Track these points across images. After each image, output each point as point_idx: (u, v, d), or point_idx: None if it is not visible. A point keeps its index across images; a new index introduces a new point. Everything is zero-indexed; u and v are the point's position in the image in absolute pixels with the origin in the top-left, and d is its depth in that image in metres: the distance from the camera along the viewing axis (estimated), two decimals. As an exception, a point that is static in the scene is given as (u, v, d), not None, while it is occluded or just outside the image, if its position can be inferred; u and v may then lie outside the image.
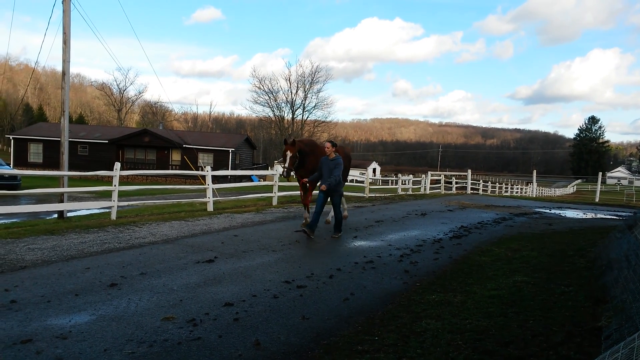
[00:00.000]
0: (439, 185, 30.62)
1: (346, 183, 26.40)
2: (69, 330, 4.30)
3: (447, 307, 5.30)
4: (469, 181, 31.87)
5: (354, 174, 28.68)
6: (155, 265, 6.82)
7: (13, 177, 24.61)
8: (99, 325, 4.47)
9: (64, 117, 15.67)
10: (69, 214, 15.42)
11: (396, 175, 34.38)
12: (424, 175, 30.44)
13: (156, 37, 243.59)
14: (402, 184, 27.45)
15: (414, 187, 28.67)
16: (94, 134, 49.23)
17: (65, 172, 14.29)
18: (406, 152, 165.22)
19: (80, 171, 19.00)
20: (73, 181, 29.68)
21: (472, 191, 31.91)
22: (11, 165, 42.73)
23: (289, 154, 9.99)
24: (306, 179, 10.03)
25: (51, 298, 5.18)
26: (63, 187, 14.93)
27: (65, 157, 15.81)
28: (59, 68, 16.81)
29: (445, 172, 44.60)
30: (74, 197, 21.85)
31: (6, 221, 13.94)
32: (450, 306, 5.35)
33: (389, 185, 40.46)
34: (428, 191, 28.36)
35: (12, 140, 49.10)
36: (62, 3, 15.24)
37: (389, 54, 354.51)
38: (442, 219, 14.09)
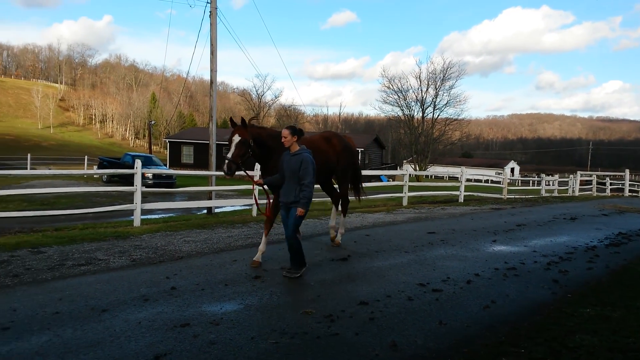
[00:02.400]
0: (590, 186, 27.68)
1: (479, 183, 24.68)
2: (220, 317, 4.68)
3: (604, 323, 4.75)
4: (627, 182, 28.29)
5: (488, 174, 27.14)
6: (293, 261, 7.14)
7: (169, 177, 27.73)
8: (246, 314, 4.79)
9: (212, 122, 17.13)
10: (216, 210, 16.87)
11: (538, 175, 31.80)
12: (572, 176, 27.76)
13: (293, 43, 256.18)
14: (546, 184, 25.32)
15: (560, 188, 26.28)
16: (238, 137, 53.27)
17: (213, 172, 15.61)
18: (549, 150, 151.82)
19: (221, 171, 20.62)
20: (219, 180, 32.44)
21: (630, 194, 28.27)
22: (167, 166, 48.05)
23: (235, 138, 6.36)
24: (261, 181, 6.65)
25: (205, 287, 5.69)
26: (211, 185, 16.35)
27: (213, 159, 17.27)
28: (207, 77, 18.46)
29: (597, 172, 40.15)
30: (220, 195, 23.85)
31: (164, 215, 15.67)
32: (608, 322, 4.79)
33: (529, 186, 37.61)
34: (577, 193, 25.80)
35: (167, 143, 55.31)
36: (210, 17, 16.71)
37: (532, 44, 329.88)
38: (595, 224, 12.68)
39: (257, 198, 7.34)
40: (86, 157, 42.97)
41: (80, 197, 18.24)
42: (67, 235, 8.66)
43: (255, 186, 6.96)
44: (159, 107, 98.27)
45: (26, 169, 34.59)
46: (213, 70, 16.81)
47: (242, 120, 6.51)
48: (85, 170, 29.60)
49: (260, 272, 6.42)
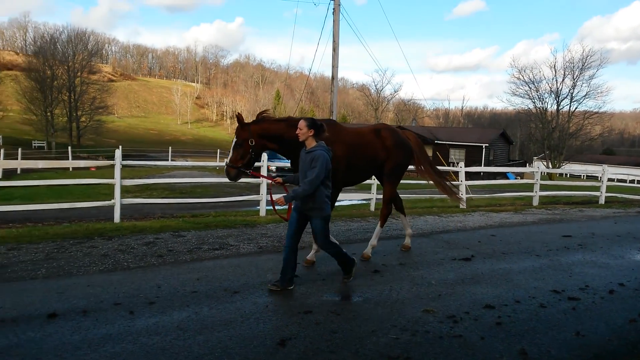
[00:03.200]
0: None
1: (622, 184, 21.90)
2: (341, 308, 4.77)
3: None
4: None
5: (634, 173, 24.15)
6: (413, 257, 7.03)
7: (291, 170, 28.91)
8: (365, 307, 4.83)
9: (332, 117, 17.48)
10: (336, 204, 17.24)
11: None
12: None
13: (414, 36, 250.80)
14: None
15: None
16: (355, 131, 53.90)
17: (333, 166, 15.98)
18: None
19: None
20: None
21: None
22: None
23: (234, 140, 5.72)
24: (280, 179, 5.67)
25: (325, 277, 5.84)
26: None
27: (333, 153, 17.62)
28: (327, 73, 18.86)
29: None
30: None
31: (285, 207, 16.35)
32: None
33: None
34: None
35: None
36: (333, 14, 17.03)
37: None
38: None
39: (274, 200, 5.49)
40: (218, 150, 46.51)
41: (213, 187, 19.76)
42: (202, 222, 9.44)
43: (272, 184, 5.89)
44: (282, 103, 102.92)
45: (167, 160, 38.47)
46: (335, 66, 17.12)
47: (239, 118, 5.67)
48: (217, 163, 32.02)
49: (380, 266, 6.42)
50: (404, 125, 54.84)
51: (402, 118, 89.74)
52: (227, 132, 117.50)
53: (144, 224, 9.12)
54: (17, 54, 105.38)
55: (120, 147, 13.35)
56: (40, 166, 17.44)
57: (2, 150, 29.32)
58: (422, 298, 5.21)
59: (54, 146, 53.36)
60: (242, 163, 5.65)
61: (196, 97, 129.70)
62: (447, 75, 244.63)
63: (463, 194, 14.03)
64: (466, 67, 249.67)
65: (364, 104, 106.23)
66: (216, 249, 7.16)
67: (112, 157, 11.95)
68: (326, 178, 5.11)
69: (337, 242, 6.00)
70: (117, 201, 9.74)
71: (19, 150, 33.95)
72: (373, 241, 6.89)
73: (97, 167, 26.62)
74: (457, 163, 15.10)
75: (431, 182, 7.79)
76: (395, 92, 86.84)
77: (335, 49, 17.01)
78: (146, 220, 10.05)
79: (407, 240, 7.54)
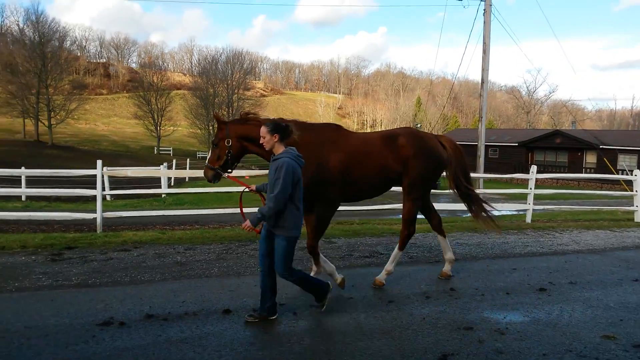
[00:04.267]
0: None
1: None
2: (505, 327, 4.47)
3: None
4: None
5: None
6: (585, 276, 6.33)
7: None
8: (533, 328, 4.46)
9: (481, 123, 16.66)
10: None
11: None
12: None
13: (573, 32, 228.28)
14: None
15: None
16: (503, 137, 50.75)
17: (481, 174, 15.19)
18: None
19: (489, 173, 19.76)
20: (487, 183, 31.43)
21: None
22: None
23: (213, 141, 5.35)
24: (253, 186, 4.95)
25: (484, 292, 5.54)
26: (479, 188, 15.93)
27: (481, 160, 16.80)
28: (472, 77, 18.08)
29: None
30: (487, 198, 23.08)
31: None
32: None
33: None
34: None
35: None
36: (483, 15, 16.27)
37: None
38: None
39: (242, 208, 5.11)
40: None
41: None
42: (351, 230, 9.64)
43: (245, 191, 5.09)
44: (423, 110, 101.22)
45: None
46: (484, 69, 16.34)
47: (217, 118, 5.37)
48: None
49: (546, 284, 5.89)
50: (563, 129, 50.21)
51: (559, 121, 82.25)
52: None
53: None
54: (185, 75, 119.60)
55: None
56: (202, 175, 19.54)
57: (174, 161, 33.41)
58: (600, 322, 4.65)
59: (215, 156, 59.23)
60: (219, 164, 5.22)
61: (338, 108, 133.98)
62: (612, 72, 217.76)
63: (639, 206, 12.30)
64: (636, 63, 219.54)
65: (513, 107, 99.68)
66: (367, 257, 7.25)
67: (263, 167, 12.84)
68: (295, 191, 4.34)
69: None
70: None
71: (187, 160, 38.37)
72: (389, 266, 5.78)
73: (250, 176, 29.05)
74: (630, 171, 13.28)
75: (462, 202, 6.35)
76: (550, 93, 79.89)
77: (485, 51, 16.25)
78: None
79: (447, 267, 6.14)
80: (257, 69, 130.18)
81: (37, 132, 57.01)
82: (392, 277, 5.97)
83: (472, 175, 15.46)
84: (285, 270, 4.43)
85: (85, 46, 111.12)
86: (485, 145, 16.28)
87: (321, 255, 5.46)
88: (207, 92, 61.48)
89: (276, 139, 4.42)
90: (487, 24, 16.12)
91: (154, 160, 50.93)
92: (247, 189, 4.96)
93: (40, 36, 55.95)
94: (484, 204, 6.23)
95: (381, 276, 5.73)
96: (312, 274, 5.43)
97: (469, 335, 4.24)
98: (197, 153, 66.06)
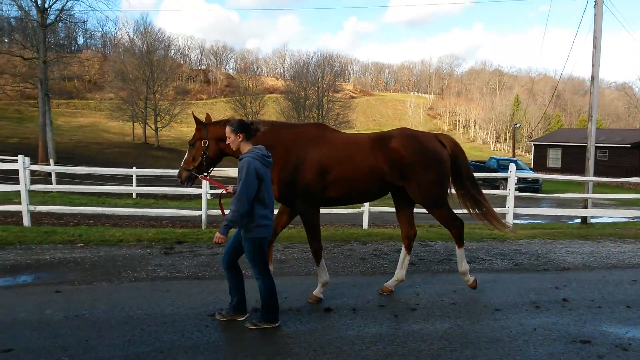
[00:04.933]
0: None
1: None
2: (627, 342, 4.10)
3: None
4: None
5: None
6: None
7: (535, 181, 26.61)
8: (664, 347, 4.04)
9: (591, 122, 15.42)
10: (592, 220, 15.11)
11: None
12: None
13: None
14: None
15: None
16: (613, 138, 46.58)
17: (590, 178, 14.08)
18: None
19: (597, 176, 18.18)
20: (597, 187, 28.98)
21: None
22: (532, 170, 46.21)
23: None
24: (230, 189, 4.58)
25: (601, 304, 5.12)
26: (587, 192, 14.76)
27: (590, 163, 15.54)
28: (577, 74, 16.79)
29: None
30: (596, 204, 21.33)
31: (532, 222, 15.06)
32: None
33: None
34: None
35: (532, 146, 53.20)
36: (594, 7, 15.06)
37: None
38: None
39: (223, 209, 4.71)
40: (452, 160, 45.79)
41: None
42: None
43: (223, 193, 5.01)
44: (521, 109, 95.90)
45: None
46: (595, 65, 15.13)
47: (195, 117, 5.14)
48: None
49: (674, 299, 5.32)
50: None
51: (678, 120, 73.98)
52: (460, 141, 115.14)
53: (391, 232, 9.52)
54: (277, 79, 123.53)
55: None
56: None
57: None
58: None
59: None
60: (194, 166, 4.99)
61: (428, 108, 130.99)
62: None
63: None
64: None
65: (624, 106, 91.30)
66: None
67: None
68: (261, 190, 4.15)
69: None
70: (365, 209, 10.42)
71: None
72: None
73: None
74: None
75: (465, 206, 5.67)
76: (669, 88, 72.12)
77: (595, 46, 15.03)
78: (389, 228, 10.49)
79: (391, 282, 5.51)
80: (346, 71, 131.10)
81: (145, 135, 61.85)
82: (497, 285, 5.72)
83: (580, 178, 14.37)
84: (257, 273, 4.29)
85: (187, 54, 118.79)
86: (598, 146, 15.02)
87: (322, 261, 5.13)
88: (298, 95, 62.98)
89: (240, 139, 4.31)
90: (598, 17, 14.89)
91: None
92: (224, 191, 4.79)
93: (148, 46, 60.63)
94: (488, 205, 5.68)
95: (466, 279, 5.46)
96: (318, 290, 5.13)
97: (587, 349, 3.94)
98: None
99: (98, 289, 5.37)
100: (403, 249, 5.51)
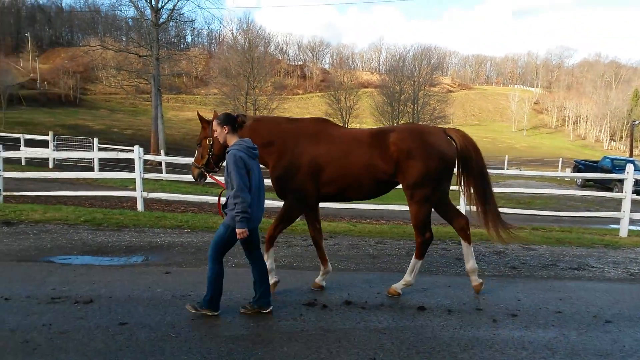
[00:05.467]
0: None
1: None
2: None
3: None
4: None
5: None
6: None
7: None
8: None
9: None
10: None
11: None
12: None
13: None
14: None
15: None
16: None
17: None
18: None
19: None
20: None
21: None
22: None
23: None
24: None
25: None
26: None
27: None
28: None
29: None
30: None
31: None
32: None
33: None
34: None
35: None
36: None
37: None
38: None
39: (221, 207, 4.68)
40: (560, 159, 42.79)
41: (554, 199, 18.27)
42: (552, 237, 8.77)
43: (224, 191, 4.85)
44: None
45: (502, 169, 37.69)
46: None
47: (199, 117, 5.11)
48: (558, 173, 29.45)
49: None
50: None
51: None
52: (568, 138, 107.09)
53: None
54: (372, 73, 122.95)
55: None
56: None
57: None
58: None
59: (399, 153, 59.87)
60: (202, 163, 5.06)
61: (534, 102, 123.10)
62: None
63: None
64: None
65: None
66: (575, 269, 6.50)
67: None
68: (251, 182, 4.25)
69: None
70: (461, 208, 10.04)
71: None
72: (407, 277, 5.11)
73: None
74: None
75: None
76: None
77: None
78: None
79: (474, 279, 5.21)
80: (444, 64, 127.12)
81: (244, 128, 64.89)
82: (608, 295, 5.26)
83: None
84: (212, 254, 4.35)
85: (285, 50, 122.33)
86: None
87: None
88: (393, 89, 62.22)
89: (227, 131, 4.40)
90: None
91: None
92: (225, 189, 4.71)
93: (250, 43, 63.26)
94: (496, 212, 5.30)
95: (398, 285, 5.13)
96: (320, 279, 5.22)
97: None
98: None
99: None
100: (462, 242, 5.25)
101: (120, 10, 36.70)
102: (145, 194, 10.30)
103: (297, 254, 6.77)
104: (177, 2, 31.72)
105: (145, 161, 10.79)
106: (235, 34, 72.33)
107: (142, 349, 3.62)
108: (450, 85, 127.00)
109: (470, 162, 5.08)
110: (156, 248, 6.93)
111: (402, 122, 61.16)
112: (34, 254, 6.31)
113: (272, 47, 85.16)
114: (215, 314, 4.32)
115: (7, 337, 3.74)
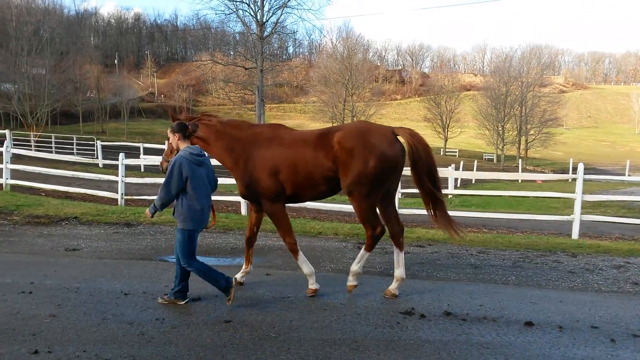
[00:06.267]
0: None
1: None
2: None
3: None
4: None
5: None
6: None
7: None
8: None
9: None
10: None
11: None
12: None
13: None
14: None
15: None
16: None
17: None
18: None
19: None
20: None
21: None
22: None
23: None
24: None
25: None
26: None
27: None
28: None
29: None
30: None
31: None
32: None
33: None
34: None
35: None
36: None
37: None
38: None
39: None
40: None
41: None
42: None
43: None
44: None
45: (623, 175, 34.19)
46: None
47: (171, 115, 5.41)
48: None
49: None
50: None
51: None
52: None
53: (608, 245, 8.30)
54: (475, 75, 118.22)
55: (571, 160, 12.74)
56: (492, 177, 18.96)
57: (461, 163, 33.42)
58: None
59: (502, 159, 56.79)
60: (171, 157, 5.07)
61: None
62: None
63: None
64: None
65: None
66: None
67: (561, 170, 11.50)
68: (188, 185, 4.60)
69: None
70: (576, 217, 9.26)
71: (475, 162, 37.79)
72: (354, 267, 5.19)
73: (543, 181, 26.56)
74: None
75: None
76: None
77: None
78: (606, 240, 9.14)
79: (394, 286, 5.17)
80: (556, 63, 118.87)
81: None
82: None
83: None
84: (184, 260, 4.62)
85: (384, 56, 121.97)
86: None
87: (301, 254, 5.15)
88: (499, 91, 59.28)
89: (177, 138, 4.81)
90: None
91: (440, 161, 51.69)
92: None
93: (349, 50, 63.96)
94: (445, 209, 5.25)
95: (350, 279, 5.20)
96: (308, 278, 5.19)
97: None
98: (484, 155, 64.42)
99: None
100: (395, 248, 5.23)
101: (229, 26, 39.06)
102: (248, 199, 10.81)
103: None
104: (281, 16, 33.05)
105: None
106: (334, 42, 73.63)
107: (245, 347, 3.78)
108: (563, 85, 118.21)
109: (419, 161, 5.08)
110: (257, 250, 7.20)
111: (507, 124, 57.99)
112: (150, 253, 6.88)
113: (371, 53, 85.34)
114: (184, 302, 4.69)
115: (125, 328, 4.10)
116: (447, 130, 69.02)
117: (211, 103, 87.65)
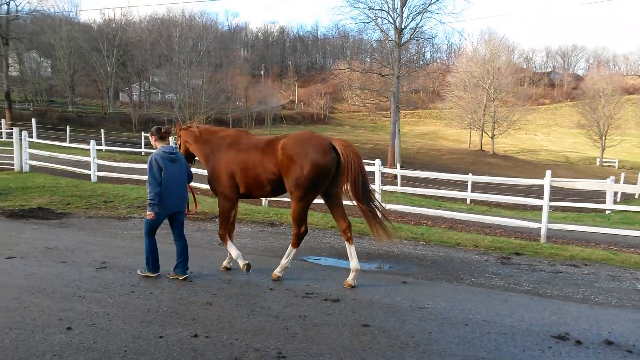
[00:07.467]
0: None
1: None
2: None
3: None
4: None
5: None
6: None
7: None
8: None
9: None
10: None
11: None
12: None
13: None
14: None
15: None
16: None
17: None
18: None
19: None
20: None
21: None
22: None
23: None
24: None
25: None
26: None
27: None
28: None
29: None
30: None
31: None
32: None
33: None
34: None
35: None
36: None
37: None
38: None
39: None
40: None
41: None
42: None
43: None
44: None
45: None
46: None
47: (175, 123, 6.97)
48: None
49: None
50: None
51: None
52: None
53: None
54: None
55: None
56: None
57: (622, 175, 29.69)
58: None
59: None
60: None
61: None
62: None
63: None
64: None
65: None
66: None
67: None
68: (165, 178, 5.53)
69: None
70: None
71: (639, 175, 33.30)
72: (283, 261, 5.78)
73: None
74: None
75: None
76: None
77: None
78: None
79: (351, 277, 5.57)
80: None
81: (480, 142, 62.35)
82: None
83: None
84: (145, 232, 5.65)
85: (531, 57, 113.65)
86: None
87: (230, 241, 5.97)
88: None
89: (154, 139, 5.79)
90: None
91: (595, 172, 46.79)
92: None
93: (491, 53, 60.81)
94: (378, 213, 5.75)
95: (277, 270, 5.75)
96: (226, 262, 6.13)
97: None
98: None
99: (439, 286, 5.71)
100: (346, 242, 5.70)
101: (366, 34, 39.74)
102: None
103: (543, 280, 6.15)
104: (420, 21, 32.71)
105: (382, 174, 11.34)
106: (475, 45, 70.52)
107: (384, 353, 3.78)
108: None
109: (351, 166, 5.52)
110: (393, 257, 7.18)
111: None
112: (292, 252, 7.22)
113: (516, 55, 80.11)
114: (155, 275, 5.62)
115: (272, 322, 4.36)
116: (605, 138, 61.89)
117: (347, 110, 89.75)
